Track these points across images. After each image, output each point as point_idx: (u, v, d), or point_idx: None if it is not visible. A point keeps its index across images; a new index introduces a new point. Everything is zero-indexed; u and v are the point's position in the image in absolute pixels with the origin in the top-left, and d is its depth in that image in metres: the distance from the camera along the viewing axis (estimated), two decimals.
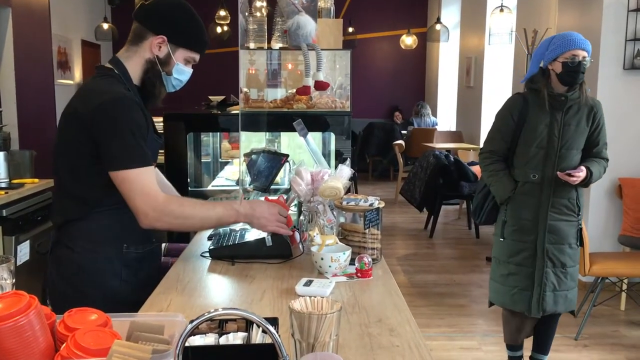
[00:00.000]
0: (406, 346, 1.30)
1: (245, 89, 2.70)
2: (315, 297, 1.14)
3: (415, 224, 6.94)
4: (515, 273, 2.82)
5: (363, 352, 1.26)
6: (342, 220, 1.95)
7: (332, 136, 2.63)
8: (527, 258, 2.81)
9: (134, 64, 1.80)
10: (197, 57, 1.85)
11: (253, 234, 2.01)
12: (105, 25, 8.42)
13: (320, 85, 2.63)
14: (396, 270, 5.12)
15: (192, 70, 1.87)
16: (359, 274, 1.76)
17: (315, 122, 2.63)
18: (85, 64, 8.53)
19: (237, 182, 2.52)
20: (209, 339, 1.03)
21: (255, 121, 2.62)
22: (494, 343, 3.72)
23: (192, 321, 0.80)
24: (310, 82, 2.62)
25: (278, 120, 2.57)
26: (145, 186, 1.68)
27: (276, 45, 2.81)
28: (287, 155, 2.48)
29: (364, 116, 10.31)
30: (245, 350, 0.85)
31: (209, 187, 2.70)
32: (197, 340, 1.02)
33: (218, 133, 3.16)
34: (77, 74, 8.36)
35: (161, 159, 2.79)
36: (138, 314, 1.14)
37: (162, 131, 2.73)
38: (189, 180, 2.69)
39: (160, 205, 1.70)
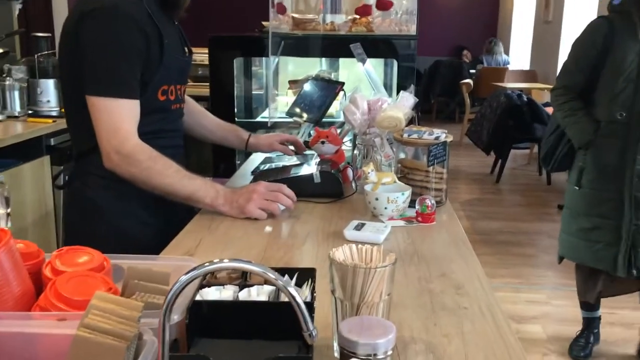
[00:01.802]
0: (476, 309, 1.05)
1: (294, 15, 2.42)
2: (366, 243, 0.91)
3: (481, 168, 6.56)
4: (599, 227, 2.49)
5: (422, 314, 1.02)
6: (402, 155, 1.68)
7: (395, 64, 2.33)
8: (611, 210, 2.47)
9: None
10: None
11: (301, 170, 1.78)
12: None
13: (383, 5, 2.34)
14: (458, 216, 4.81)
15: None
16: (419, 218, 1.51)
17: (376, 47, 2.33)
18: None
19: (287, 113, 2.27)
20: (226, 292, 0.82)
21: (305, 46, 2.34)
22: (563, 297, 3.43)
23: (187, 273, 0.58)
24: (372, 1, 2.32)
25: (334, 46, 2.29)
26: (116, 122, 1.43)
27: None
28: (343, 84, 2.20)
29: (430, 54, 9.77)
30: (269, 309, 0.63)
31: (258, 119, 2.48)
32: (211, 293, 0.81)
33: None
34: None
35: (206, 89, 2.58)
36: (142, 257, 0.93)
37: (205, 56, 2.49)
38: (235, 110, 2.47)
39: (127, 150, 1.44)
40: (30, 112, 3.34)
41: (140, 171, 1.48)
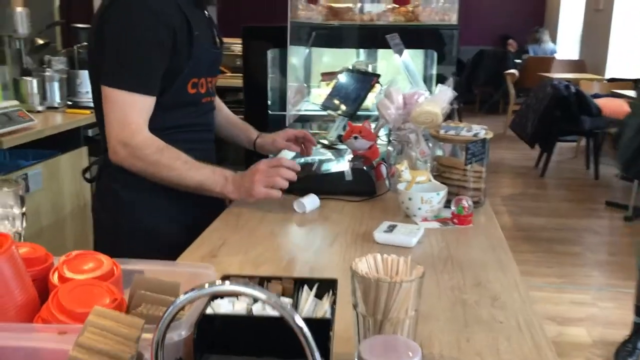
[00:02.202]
0: (513, 323, 0.97)
1: (330, 4, 2.34)
2: (397, 246, 0.84)
3: (525, 161, 6.36)
4: None
5: (454, 328, 0.94)
6: (438, 153, 1.60)
7: (435, 56, 2.24)
8: None
9: None
10: None
11: (333, 166, 1.72)
12: None
13: None
14: (500, 211, 4.68)
15: None
16: (455, 220, 1.42)
17: (415, 37, 2.23)
18: None
19: (322, 106, 2.21)
20: (240, 305, 0.76)
21: (339, 36, 2.27)
22: (611, 299, 3.27)
23: (186, 293, 0.52)
24: None
25: (371, 36, 2.20)
26: (127, 115, 1.40)
27: None
28: (379, 76, 2.12)
29: (473, 43, 9.53)
30: (283, 325, 0.57)
31: (292, 112, 2.42)
32: (223, 306, 0.75)
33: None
34: None
35: (238, 80, 2.53)
36: (158, 262, 0.88)
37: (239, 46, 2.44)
38: (269, 102, 2.42)
39: (135, 143, 1.41)
40: (69, 103, 3.36)
41: (147, 165, 1.45)
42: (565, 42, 8.96)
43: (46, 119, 3.11)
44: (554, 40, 9.04)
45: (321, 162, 1.74)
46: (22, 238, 0.98)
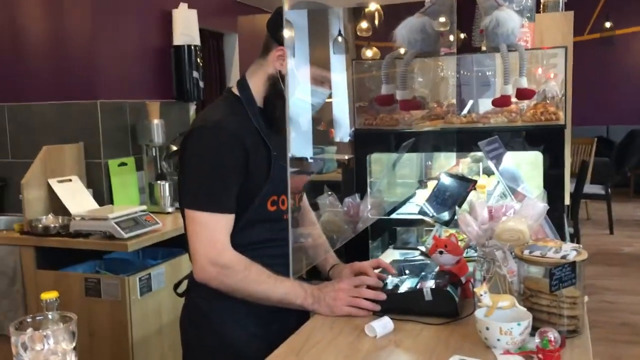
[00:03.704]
0: None
1: (431, 102, 2.32)
2: None
3: None
4: None
5: None
6: (528, 272, 1.46)
7: (540, 158, 2.10)
8: None
9: (258, 81, 1.58)
10: (329, 75, 1.55)
11: (409, 284, 1.63)
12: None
13: (523, 94, 2.14)
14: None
15: (328, 91, 1.57)
16: (540, 355, 1.27)
17: (517, 139, 2.13)
18: None
19: (419, 212, 2.14)
20: None
21: (440, 138, 2.23)
22: None
23: None
24: (510, 91, 2.14)
25: (470, 140, 2.13)
26: (213, 235, 1.46)
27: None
28: (475, 182, 2.04)
29: (624, 122, 8.91)
30: None
31: (393, 216, 2.38)
32: None
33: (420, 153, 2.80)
34: None
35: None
36: None
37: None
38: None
39: (224, 261, 1.48)
40: None
41: (237, 281, 1.51)
42: None
43: (175, 219, 3.35)
44: None
45: (403, 280, 1.66)
46: None
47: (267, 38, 1.58)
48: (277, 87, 1.56)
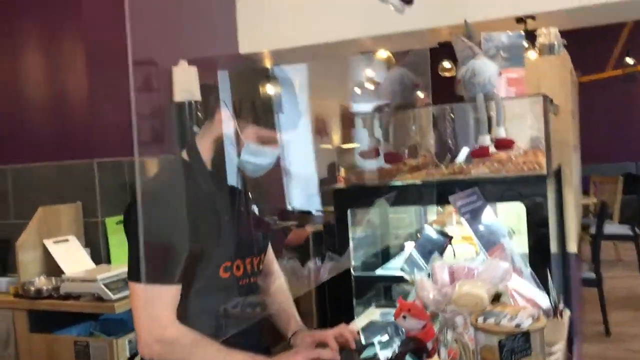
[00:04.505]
0: None
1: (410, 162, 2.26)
2: None
3: None
4: None
5: None
6: (485, 341, 1.36)
7: (522, 209, 2.00)
8: None
9: (206, 144, 1.54)
10: (273, 134, 1.51)
11: (379, 349, 1.54)
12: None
13: (502, 144, 2.06)
14: None
15: (273, 150, 1.52)
16: None
17: (498, 190, 2.04)
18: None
19: (401, 269, 2.05)
20: None
21: (417, 193, 2.15)
22: None
23: None
24: (487, 141, 2.07)
25: (448, 192, 2.05)
26: (155, 310, 1.39)
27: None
28: (451, 238, 1.95)
29: None
30: None
31: (377, 272, 2.29)
32: None
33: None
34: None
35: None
36: None
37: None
38: (352, 263, 2.31)
39: (169, 337, 1.40)
40: None
41: (183, 358, 1.44)
42: None
43: None
44: None
45: (364, 346, 1.57)
46: None
47: (212, 101, 1.55)
48: (224, 149, 1.52)
